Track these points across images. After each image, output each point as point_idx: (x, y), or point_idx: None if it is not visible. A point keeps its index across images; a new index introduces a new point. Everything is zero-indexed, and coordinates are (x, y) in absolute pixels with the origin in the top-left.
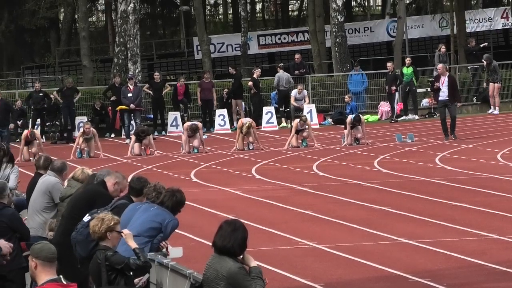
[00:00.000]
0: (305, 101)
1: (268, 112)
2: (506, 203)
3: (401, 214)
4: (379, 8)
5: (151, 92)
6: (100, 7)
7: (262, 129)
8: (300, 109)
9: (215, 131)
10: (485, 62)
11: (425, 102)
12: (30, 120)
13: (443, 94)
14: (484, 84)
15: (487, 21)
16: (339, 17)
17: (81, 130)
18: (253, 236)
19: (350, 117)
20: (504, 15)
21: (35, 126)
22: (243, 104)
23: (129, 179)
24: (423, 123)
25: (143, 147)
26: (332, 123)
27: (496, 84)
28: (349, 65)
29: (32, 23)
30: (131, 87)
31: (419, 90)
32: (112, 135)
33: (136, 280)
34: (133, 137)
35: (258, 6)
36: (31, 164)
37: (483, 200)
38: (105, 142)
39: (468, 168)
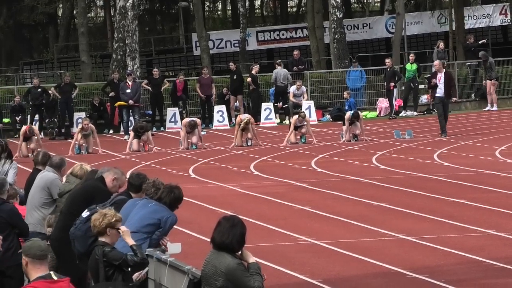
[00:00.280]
0: (303, 98)
1: (267, 108)
2: (504, 200)
3: (400, 210)
4: (378, 4)
5: (149, 88)
6: (98, 3)
7: (261, 125)
8: (298, 106)
9: (213, 127)
10: (481, 59)
11: (424, 98)
12: (29, 116)
13: (440, 91)
14: (483, 81)
15: (486, 18)
16: (337, 13)
17: (80, 126)
18: (252, 232)
19: (348, 114)
20: (503, 12)
21: (34, 122)
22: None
23: (127, 175)
24: (421, 119)
25: (141, 143)
26: (331, 119)
27: (491, 81)
28: (347, 61)
29: (30, 19)
30: (130, 83)
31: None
32: (111, 131)
33: (136, 274)
34: (131, 133)
35: (257, 2)
36: (29, 160)
37: (481, 196)
38: (104, 138)
39: (466, 165)
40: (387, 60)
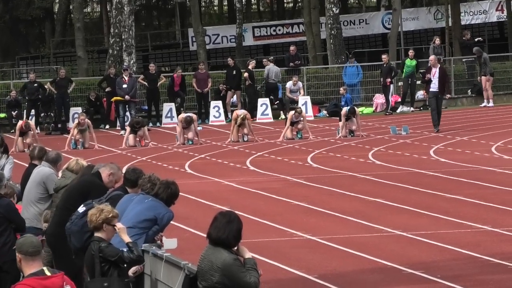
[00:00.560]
0: (300, 93)
1: (263, 104)
2: (500, 196)
3: (396, 206)
4: (374, 0)
5: (146, 84)
6: None
7: (257, 121)
8: (295, 101)
9: (210, 123)
10: (475, 55)
11: (420, 94)
12: (25, 110)
13: (434, 86)
14: (478, 77)
15: (482, 14)
16: (334, 9)
17: (76, 121)
18: (248, 227)
19: (345, 109)
20: (499, 8)
21: (30, 117)
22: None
23: (124, 171)
24: (417, 115)
25: (137, 139)
26: (327, 115)
27: (486, 77)
28: (344, 57)
29: (27, 14)
30: (126, 78)
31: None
32: (107, 126)
33: (132, 269)
34: (127, 129)
35: None
36: (25, 154)
37: (477, 192)
38: (100, 133)
39: (463, 161)
40: (384, 56)
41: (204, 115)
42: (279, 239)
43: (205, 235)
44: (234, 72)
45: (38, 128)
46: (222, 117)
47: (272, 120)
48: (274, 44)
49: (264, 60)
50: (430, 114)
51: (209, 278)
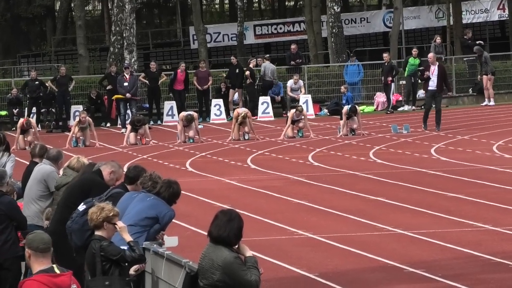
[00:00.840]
0: (301, 92)
1: (264, 102)
2: (501, 195)
3: (397, 205)
4: None
5: (147, 82)
6: None
7: (258, 119)
8: (296, 100)
9: (211, 121)
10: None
11: (421, 93)
12: (26, 108)
13: (433, 84)
14: (479, 76)
15: (484, 13)
16: (335, 7)
17: (77, 119)
18: (249, 226)
19: (346, 108)
20: (501, 7)
21: (31, 115)
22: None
23: (124, 169)
24: (419, 114)
25: (138, 137)
26: (328, 113)
27: (487, 76)
28: (345, 55)
29: (28, 12)
30: (127, 76)
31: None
32: (108, 124)
33: (134, 267)
34: (128, 127)
35: None
36: (26, 152)
37: (478, 191)
38: (101, 131)
39: (464, 159)
40: (385, 55)
41: (205, 113)
42: (280, 237)
43: (206, 233)
44: (237, 71)
45: (39, 126)
46: (223, 115)
47: (273, 118)
48: (275, 42)
49: (259, 59)
50: (424, 111)
51: (210, 276)
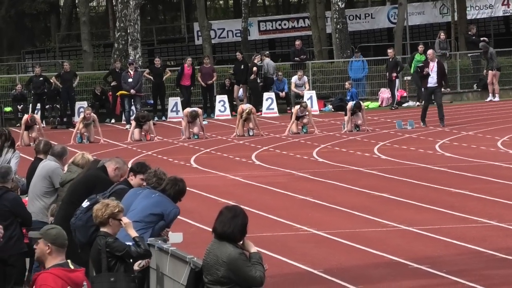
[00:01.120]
0: (305, 88)
1: (269, 98)
2: (506, 190)
3: (401, 200)
4: None
5: (151, 78)
6: None
7: (263, 115)
8: (300, 96)
9: (215, 117)
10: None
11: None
12: (30, 104)
13: (432, 80)
14: (484, 71)
15: (488, 8)
16: (340, 3)
17: (82, 115)
18: (253, 222)
19: (350, 104)
20: (505, 2)
21: (35, 111)
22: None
23: (129, 165)
24: None
25: (143, 133)
26: (333, 109)
27: (492, 71)
28: (349, 51)
29: (32, 8)
30: (132, 73)
31: None
32: (112, 121)
33: (139, 262)
34: (133, 123)
35: None
36: (31, 148)
37: (483, 187)
38: (105, 127)
39: (468, 155)
40: (389, 51)
41: (209, 110)
42: (285, 233)
43: (210, 230)
44: (242, 67)
45: (43, 122)
46: (228, 111)
47: (277, 114)
48: (280, 38)
49: (258, 56)
50: (422, 107)
51: (215, 272)
